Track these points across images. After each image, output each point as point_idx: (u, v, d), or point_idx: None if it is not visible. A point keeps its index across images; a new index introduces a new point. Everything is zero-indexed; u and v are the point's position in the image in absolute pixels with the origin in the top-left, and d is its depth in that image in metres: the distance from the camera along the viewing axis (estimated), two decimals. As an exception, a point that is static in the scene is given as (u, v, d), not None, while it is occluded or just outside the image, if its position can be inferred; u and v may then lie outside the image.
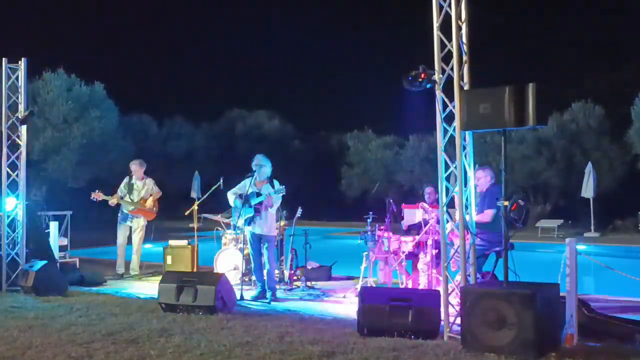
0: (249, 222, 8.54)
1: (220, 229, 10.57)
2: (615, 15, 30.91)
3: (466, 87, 6.02)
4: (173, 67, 36.58)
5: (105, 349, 5.57)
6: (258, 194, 8.51)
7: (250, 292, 8.61)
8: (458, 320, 5.84)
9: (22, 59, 9.20)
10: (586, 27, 33.16)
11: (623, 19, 31.11)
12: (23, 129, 9.28)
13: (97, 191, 10.48)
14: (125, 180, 10.74)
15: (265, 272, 8.50)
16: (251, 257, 8.78)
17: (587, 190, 20.41)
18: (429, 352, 5.39)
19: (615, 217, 21.90)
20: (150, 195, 10.67)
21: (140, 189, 10.65)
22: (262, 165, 8.61)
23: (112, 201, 10.51)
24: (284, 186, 8.48)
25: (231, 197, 8.76)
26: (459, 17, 6.03)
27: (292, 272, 9.63)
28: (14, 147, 9.29)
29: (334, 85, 32.43)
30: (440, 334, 6.00)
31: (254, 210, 8.48)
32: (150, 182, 10.77)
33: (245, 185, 8.62)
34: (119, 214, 10.72)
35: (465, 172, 6.08)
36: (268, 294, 8.35)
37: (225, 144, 30.33)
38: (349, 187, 28.41)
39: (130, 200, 10.53)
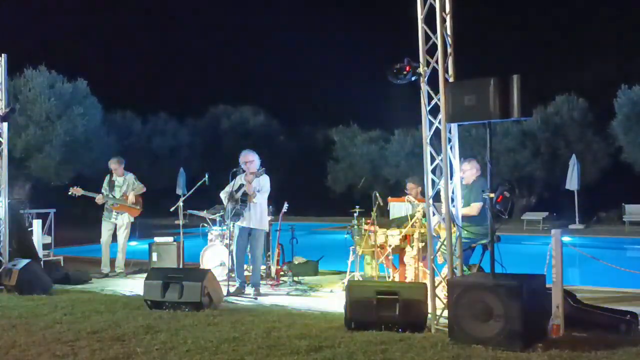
0: (237, 216, 8.48)
1: (206, 225, 10.53)
2: (598, 8, 31.11)
3: (451, 80, 6.01)
4: (157, 63, 36.30)
5: (91, 347, 5.51)
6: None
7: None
8: (445, 313, 5.85)
9: (2, 54, 9.10)
10: (569, 20, 33.37)
11: (605, 12, 31.33)
12: (4, 126, 9.18)
13: (76, 187, 10.41)
14: (107, 177, 10.69)
15: (247, 266, 8.47)
16: (234, 252, 8.73)
17: (572, 182, 20.56)
18: (417, 345, 5.39)
19: (600, 208, 22.07)
20: (133, 190, 10.60)
21: (121, 185, 10.60)
22: (251, 160, 8.58)
23: (99, 199, 10.45)
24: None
25: (224, 196, 8.70)
26: (443, 9, 6.03)
27: (279, 267, 9.61)
28: (-5, 144, 9.18)
29: (318, 80, 32.31)
30: (428, 327, 6.01)
31: (241, 202, 8.43)
32: (130, 177, 10.70)
33: (235, 183, 8.57)
34: (104, 211, 10.65)
35: (451, 165, 6.08)
36: (250, 290, 8.32)
37: (210, 140, 30.16)
38: (335, 182, 28.38)
39: (112, 197, 10.47)
